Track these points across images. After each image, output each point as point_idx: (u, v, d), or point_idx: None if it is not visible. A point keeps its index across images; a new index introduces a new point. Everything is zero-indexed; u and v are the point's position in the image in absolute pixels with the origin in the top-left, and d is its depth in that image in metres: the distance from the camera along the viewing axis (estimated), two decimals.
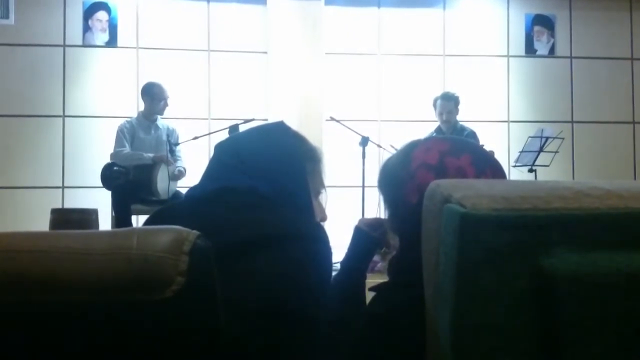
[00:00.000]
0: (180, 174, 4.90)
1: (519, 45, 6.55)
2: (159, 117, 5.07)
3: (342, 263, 1.29)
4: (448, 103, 5.16)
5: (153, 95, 4.94)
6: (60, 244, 0.71)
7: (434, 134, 5.13)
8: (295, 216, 1.10)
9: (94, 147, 5.83)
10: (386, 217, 1.16)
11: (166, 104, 4.98)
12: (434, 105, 5.25)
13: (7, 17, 5.89)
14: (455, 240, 0.69)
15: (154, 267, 0.68)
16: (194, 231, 0.72)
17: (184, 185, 4.86)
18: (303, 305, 1.01)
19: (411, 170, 1.07)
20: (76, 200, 5.78)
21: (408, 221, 1.05)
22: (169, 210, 1.16)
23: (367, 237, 1.28)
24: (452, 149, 1.07)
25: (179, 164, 4.97)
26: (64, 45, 6.02)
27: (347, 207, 5.40)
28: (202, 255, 0.71)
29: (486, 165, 1.07)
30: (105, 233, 0.74)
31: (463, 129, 5.19)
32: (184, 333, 0.71)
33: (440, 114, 5.18)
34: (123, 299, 0.68)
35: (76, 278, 0.68)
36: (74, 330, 0.70)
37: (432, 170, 1.04)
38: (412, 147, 1.11)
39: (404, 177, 1.07)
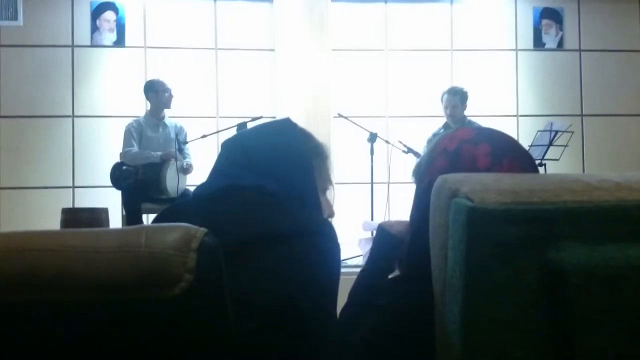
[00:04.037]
0: (189, 167, 4.93)
1: (527, 39, 6.51)
2: (166, 115, 5.09)
3: (366, 263, 1.28)
4: (453, 98, 5.15)
5: (156, 89, 4.99)
6: (69, 242, 0.71)
7: (442, 130, 5.12)
8: (302, 213, 1.10)
9: (103, 146, 5.86)
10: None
11: (171, 95, 5.01)
12: (442, 100, 5.24)
13: (15, 18, 5.91)
14: (463, 235, 0.69)
15: (162, 264, 0.68)
16: (202, 228, 0.72)
17: (192, 184, 4.87)
18: (311, 302, 1.01)
19: (432, 156, 1.08)
20: (87, 200, 5.82)
21: (417, 208, 1.05)
22: (177, 208, 1.16)
23: (388, 235, 1.26)
24: (473, 138, 1.06)
25: (187, 161, 5.00)
26: (72, 46, 6.05)
27: (355, 204, 5.40)
28: (210, 253, 0.71)
29: (503, 157, 1.05)
30: (114, 231, 0.74)
31: (471, 124, 5.17)
32: (192, 330, 0.71)
33: (446, 109, 5.18)
34: (132, 296, 0.68)
35: (85, 276, 0.68)
36: (83, 328, 0.71)
37: (448, 157, 1.05)
38: (443, 136, 1.13)
39: (425, 163, 1.09)
